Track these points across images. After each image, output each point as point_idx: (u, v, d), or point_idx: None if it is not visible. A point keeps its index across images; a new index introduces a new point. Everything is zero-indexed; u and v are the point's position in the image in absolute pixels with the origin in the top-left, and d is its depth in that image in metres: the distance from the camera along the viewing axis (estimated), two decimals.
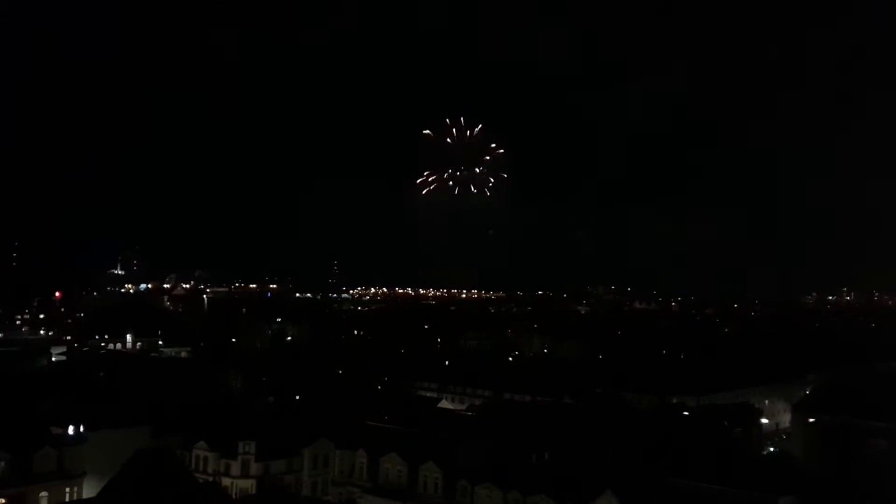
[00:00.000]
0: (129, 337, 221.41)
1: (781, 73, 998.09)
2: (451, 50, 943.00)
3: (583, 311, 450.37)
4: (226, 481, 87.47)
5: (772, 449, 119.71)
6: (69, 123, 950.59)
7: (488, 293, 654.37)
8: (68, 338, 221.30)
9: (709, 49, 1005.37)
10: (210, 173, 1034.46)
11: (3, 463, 76.80)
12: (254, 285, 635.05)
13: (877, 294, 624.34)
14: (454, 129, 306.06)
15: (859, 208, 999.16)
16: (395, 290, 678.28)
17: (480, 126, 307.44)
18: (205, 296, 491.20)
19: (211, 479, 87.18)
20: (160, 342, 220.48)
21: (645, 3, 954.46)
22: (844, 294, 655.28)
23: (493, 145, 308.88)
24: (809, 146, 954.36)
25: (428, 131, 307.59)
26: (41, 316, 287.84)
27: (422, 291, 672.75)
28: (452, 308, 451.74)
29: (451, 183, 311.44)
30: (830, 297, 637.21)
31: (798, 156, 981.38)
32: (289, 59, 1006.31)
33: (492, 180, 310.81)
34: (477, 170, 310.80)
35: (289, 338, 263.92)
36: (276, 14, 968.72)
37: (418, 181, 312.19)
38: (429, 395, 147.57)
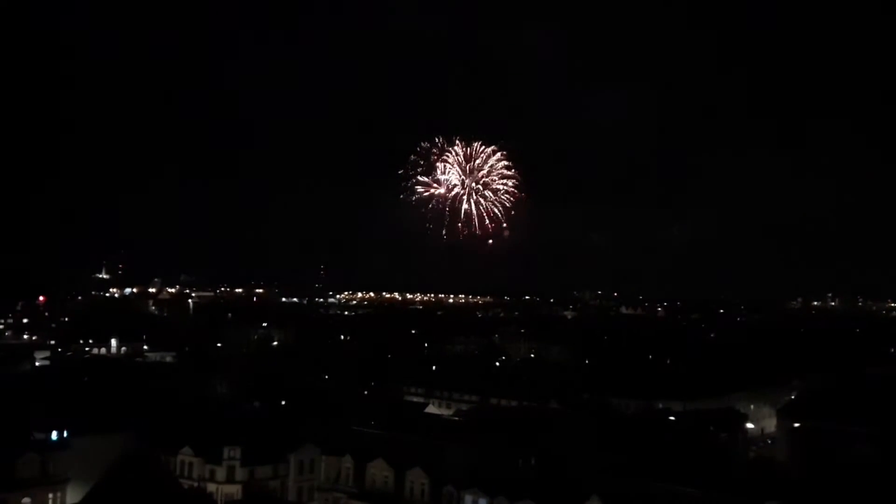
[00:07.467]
0: (113, 342, 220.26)
1: (781, 75, 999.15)
2: (448, 51, 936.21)
3: (569, 316, 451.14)
4: (211, 487, 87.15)
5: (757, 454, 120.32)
6: (59, 124, 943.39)
7: (475, 298, 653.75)
8: (52, 342, 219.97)
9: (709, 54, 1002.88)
10: (204, 175, 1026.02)
11: None
12: (240, 289, 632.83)
13: (861, 300, 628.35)
14: (447, 142, 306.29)
15: (845, 214, 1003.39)
16: (381, 295, 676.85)
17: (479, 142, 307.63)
18: (190, 300, 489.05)
19: (196, 484, 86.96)
20: (145, 347, 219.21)
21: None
22: (829, 300, 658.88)
23: (490, 151, 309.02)
24: (791, 149, 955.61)
25: (417, 149, 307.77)
26: (25, 320, 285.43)
27: (409, 296, 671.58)
28: (439, 313, 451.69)
29: (440, 191, 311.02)
30: (816, 303, 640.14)
31: (789, 160, 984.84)
32: (285, 57, 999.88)
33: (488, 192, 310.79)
34: (466, 181, 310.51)
35: (275, 342, 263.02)
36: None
37: (408, 188, 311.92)
38: (415, 400, 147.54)
